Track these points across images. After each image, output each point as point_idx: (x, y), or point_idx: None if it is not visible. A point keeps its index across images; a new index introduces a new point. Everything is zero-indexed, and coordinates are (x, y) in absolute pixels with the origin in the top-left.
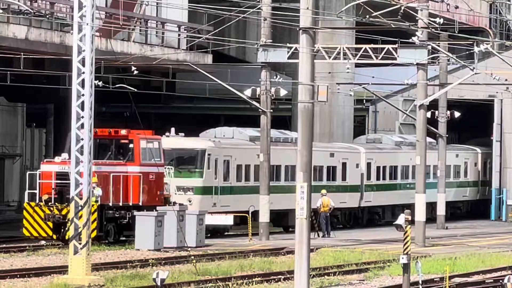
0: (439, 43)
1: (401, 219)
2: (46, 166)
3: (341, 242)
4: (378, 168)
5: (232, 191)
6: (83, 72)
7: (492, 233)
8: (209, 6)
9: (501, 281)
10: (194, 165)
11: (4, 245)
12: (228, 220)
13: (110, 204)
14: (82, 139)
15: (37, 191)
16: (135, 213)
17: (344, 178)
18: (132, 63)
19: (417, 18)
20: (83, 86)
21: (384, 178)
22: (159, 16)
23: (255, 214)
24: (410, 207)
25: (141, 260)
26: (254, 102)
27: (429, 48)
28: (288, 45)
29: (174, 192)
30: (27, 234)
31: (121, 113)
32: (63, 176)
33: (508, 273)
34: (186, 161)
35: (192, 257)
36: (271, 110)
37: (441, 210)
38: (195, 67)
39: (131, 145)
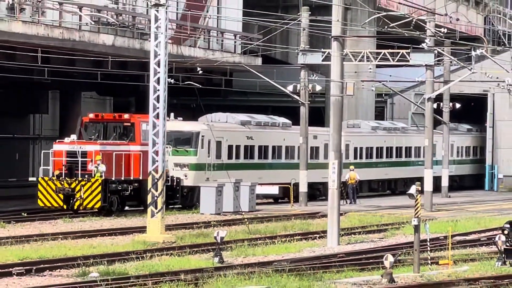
0: (443, 48)
1: (412, 189)
2: (58, 146)
3: (365, 208)
4: (355, 148)
5: (224, 167)
6: (159, 72)
7: (486, 201)
8: (259, 18)
9: (493, 239)
10: (189, 145)
11: (95, 210)
12: (274, 190)
13: (113, 178)
14: (158, 125)
15: (50, 167)
16: (200, 185)
17: (326, 157)
18: (197, 64)
19: (426, 28)
20: (158, 83)
21: (361, 158)
22: (219, 27)
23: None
24: (385, 182)
25: (205, 222)
26: (295, 96)
27: (436, 52)
28: (322, 50)
29: (172, 168)
30: (41, 204)
31: (189, 105)
32: (72, 154)
33: (499, 232)
34: (182, 142)
35: (246, 219)
36: (309, 102)
37: (445, 182)
38: (248, 68)
39: (132, 127)
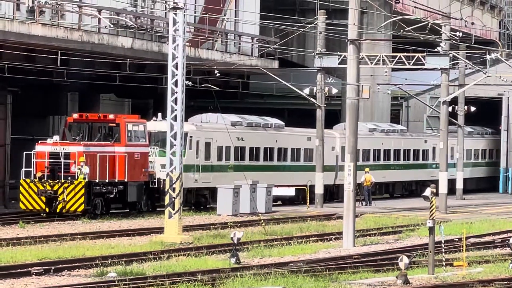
0: (458, 52)
1: (427, 192)
2: (41, 147)
3: (380, 209)
4: None
5: (213, 169)
6: (176, 74)
7: (500, 203)
8: (276, 22)
9: (507, 241)
10: None
11: (113, 211)
12: (290, 191)
13: (97, 180)
14: (175, 127)
15: (32, 169)
16: (217, 186)
17: None
18: (215, 67)
19: (441, 32)
20: (176, 85)
21: (358, 160)
22: (236, 30)
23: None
24: (383, 185)
25: (222, 223)
26: (311, 99)
27: (451, 56)
28: (338, 53)
29: (159, 170)
30: (23, 207)
31: (206, 107)
32: (55, 155)
33: None
34: None
35: (262, 220)
36: (325, 105)
37: (459, 185)
38: (265, 71)
39: (118, 128)
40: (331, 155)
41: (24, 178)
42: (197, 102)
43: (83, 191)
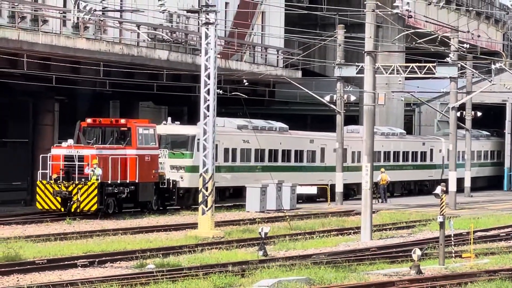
0: (466, 62)
1: (438, 190)
2: (56, 150)
3: (395, 206)
4: (353, 152)
5: (220, 170)
6: (208, 84)
7: (505, 200)
8: (299, 35)
9: (511, 234)
10: (185, 148)
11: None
12: (313, 190)
13: (109, 181)
14: (208, 132)
15: (48, 171)
16: (246, 185)
17: (322, 160)
18: (243, 77)
19: (450, 44)
20: (208, 94)
21: (358, 161)
22: (263, 43)
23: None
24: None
25: (250, 219)
26: (331, 105)
27: (459, 66)
28: (356, 64)
29: (169, 170)
30: (39, 207)
31: (235, 113)
32: (69, 158)
33: None
34: (178, 145)
35: (287, 216)
36: (344, 111)
37: (467, 183)
38: (289, 80)
39: (129, 132)
40: (333, 156)
41: (40, 179)
42: (227, 109)
43: (96, 191)
